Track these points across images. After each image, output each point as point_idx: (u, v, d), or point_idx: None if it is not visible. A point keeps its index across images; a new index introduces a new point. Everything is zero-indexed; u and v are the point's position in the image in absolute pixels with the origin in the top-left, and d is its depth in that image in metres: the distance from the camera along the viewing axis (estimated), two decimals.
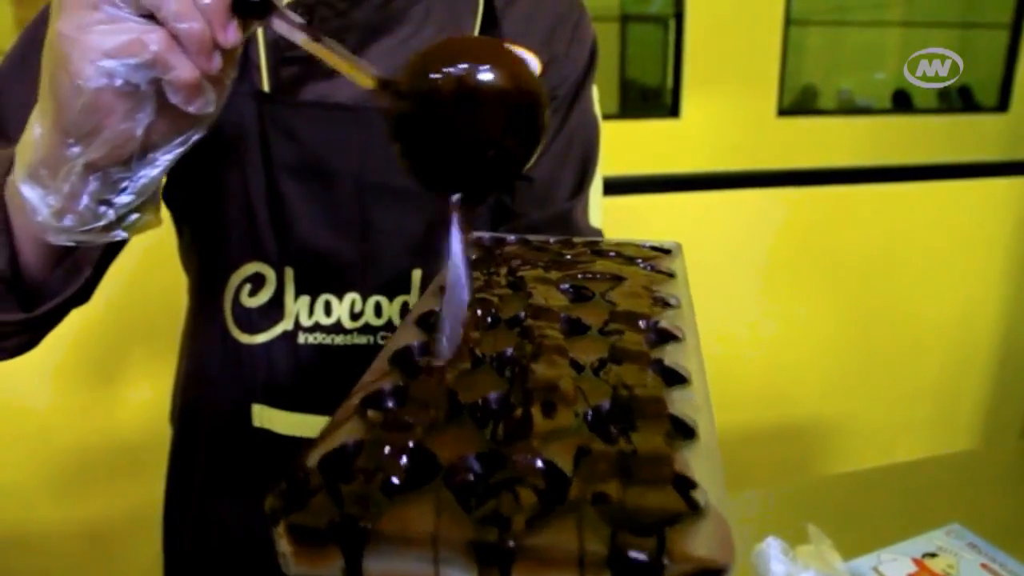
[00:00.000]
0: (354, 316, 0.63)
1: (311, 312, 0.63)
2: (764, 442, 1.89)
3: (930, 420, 2.03)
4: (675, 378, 0.36)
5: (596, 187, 0.73)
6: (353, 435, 0.31)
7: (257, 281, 0.62)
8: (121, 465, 1.39)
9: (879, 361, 1.94)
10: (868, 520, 0.83)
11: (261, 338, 0.63)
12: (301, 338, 0.63)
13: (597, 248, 0.54)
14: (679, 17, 2.33)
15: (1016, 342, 2.04)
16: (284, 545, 0.27)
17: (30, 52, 0.57)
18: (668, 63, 2.65)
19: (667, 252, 0.55)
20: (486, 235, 0.58)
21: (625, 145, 2.64)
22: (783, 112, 2.42)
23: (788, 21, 2.32)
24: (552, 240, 0.57)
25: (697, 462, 0.29)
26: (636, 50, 3.35)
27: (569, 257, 0.51)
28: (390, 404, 0.35)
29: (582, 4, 0.71)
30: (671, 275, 0.49)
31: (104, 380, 1.37)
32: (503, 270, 0.50)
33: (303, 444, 0.55)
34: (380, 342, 0.64)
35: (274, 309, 0.63)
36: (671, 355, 0.38)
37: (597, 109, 0.73)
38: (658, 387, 0.35)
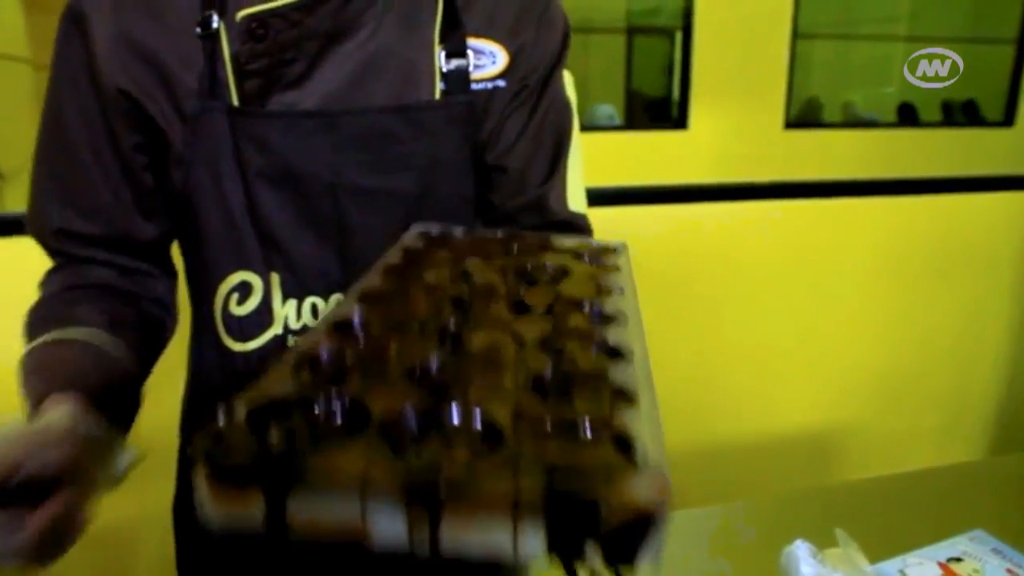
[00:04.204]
0: None
1: (299, 315, 0.63)
2: (771, 450, 1.89)
3: (938, 429, 2.03)
4: (618, 355, 0.36)
5: (575, 171, 0.72)
6: (284, 388, 0.30)
7: (244, 290, 0.63)
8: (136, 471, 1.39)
9: (887, 370, 1.95)
10: (893, 525, 0.84)
11: (253, 344, 0.63)
12: (291, 341, 0.63)
13: (546, 243, 0.55)
14: (687, 30, 2.35)
15: (1023, 352, 2.04)
16: (202, 486, 0.26)
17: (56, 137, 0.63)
18: (675, 75, 2.68)
19: (613, 250, 0.56)
20: (434, 229, 0.58)
21: (632, 156, 2.66)
22: (790, 125, 2.44)
23: (795, 34, 2.34)
24: (500, 233, 0.57)
25: (637, 425, 0.29)
26: (642, 62, 3.38)
27: (517, 249, 0.52)
28: (325, 365, 0.34)
29: None
30: (617, 268, 0.50)
31: None
32: (447, 256, 0.49)
33: None
34: None
35: (263, 315, 0.63)
36: (614, 335, 0.38)
37: (571, 93, 0.72)
38: (600, 360, 0.35)
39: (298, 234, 0.61)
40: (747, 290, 1.80)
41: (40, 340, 0.58)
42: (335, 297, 0.63)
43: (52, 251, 0.66)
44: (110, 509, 1.50)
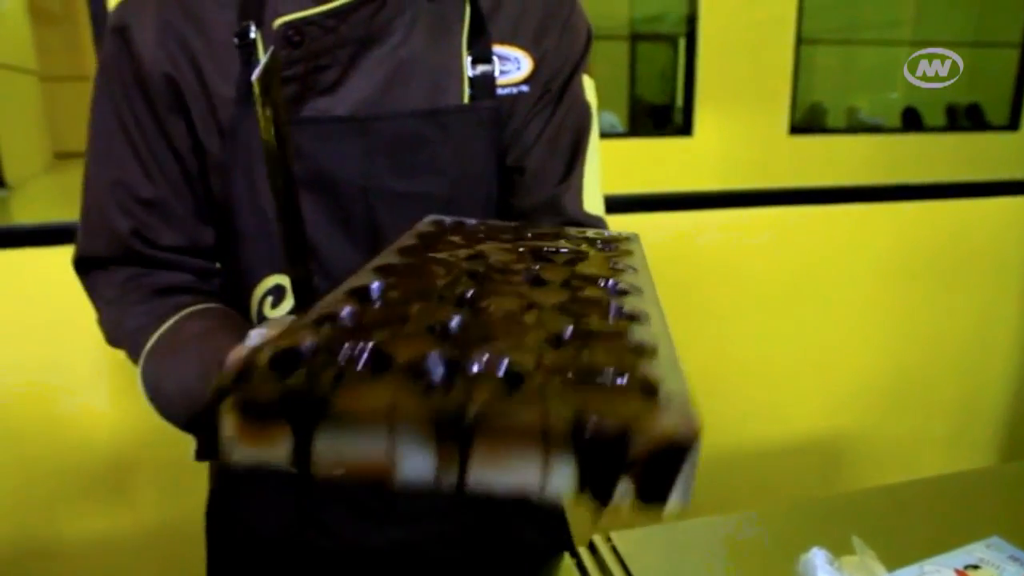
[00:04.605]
0: None
1: None
2: (778, 457, 1.88)
3: (947, 435, 2.02)
4: (636, 319, 0.36)
5: (592, 174, 0.72)
6: (307, 339, 0.30)
7: (278, 293, 0.64)
8: (161, 477, 1.39)
9: (895, 376, 1.94)
10: (908, 532, 0.83)
11: None
12: None
13: (559, 232, 0.55)
14: (691, 36, 2.35)
15: None
16: (229, 425, 0.26)
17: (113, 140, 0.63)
18: (678, 81, 2.68)
19: (626, 239, 0.56)
20: (447, 219, 0.58)
21: (637, 163, 2.67)
22: (795, 130, 2.44)
23: (799, 40, 2.34)
24: (515, 224, 0.57)
25: (662, 372, 0.29)
26: (646, 69, 3.38)
27: (531, 235, 0.52)
28: (345, 322, 0.33)
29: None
30: (629, 252, 0.50)
31: (139, 391, 1.37)
32: (462, 239, 0.49)
33: None
34: None
35: None
36: (631, 304, 0.38)
37: (591, 96, 0.73)
38: (619, 323, 0.35)
39: (331, 238, 0.63)
40: (753, 297, 1.80)
41: (165, 326, 0.59)
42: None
43: (119, 255, 0.65)
44: (140, 515, 1.49)
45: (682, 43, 2.51)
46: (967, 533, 0.81)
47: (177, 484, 1.38)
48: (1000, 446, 2.08)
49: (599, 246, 0.52)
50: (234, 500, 0.72)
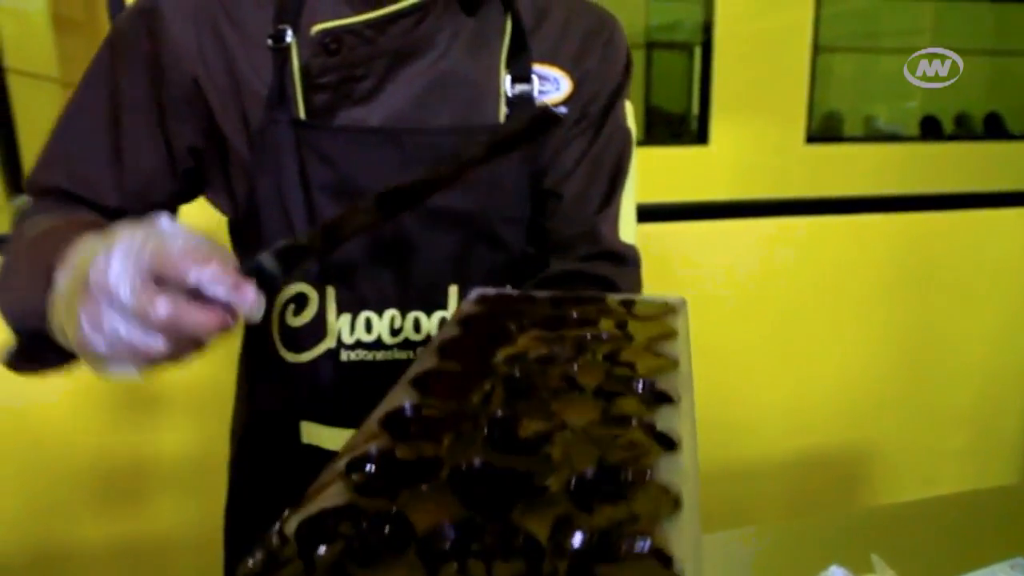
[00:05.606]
0: (394, 332, 0.64)
1: (352, 329, 0.64)
2: (793, 471, 1.86)
3: (966, 450, 1.99)
4: (666, 443, 0.37)
5: (628, 201, 0.72)
6: (335, 500, 0.32)
7: (300, 301, 0.64)
8: (179, 481, 1.40)
9: (912, 391, 1.91)
10: (929, 551, 0.81)
11: (306, 356, 0.64)
12: (344, 355, 0.64)
13: (603, 306, 0.55)
14: (707, 44, 2.34)
15: None
16: None
17: (91, 100, 0.63)
18: (694, 90, 2.67)
19: (672, 309, 0.56)
20: (491, 291, 0.59)
21: (652, 172, 2.66)
22: (811, 139, 2.43)
23: (816, 48, 2.33)
24: (558, 296, 0.57)
25: (678, 536, 0.29)
26: (661, 77, 3.38)
27: (575, 315, 0.53)
28: (375, 467, 0.37)
29: (614, 19, 0.71)
30: (674, 333, 0.50)
31: (155, 397, 1.38)
32: (501, 327, 0.51)
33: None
34: None
35: (317, 328, 0.64)
36: (664, 419, 0.39)
37: (631, 123, 0.72)
38: (646, 453, 0.36)
39: (357, 249, 0.62)
40: (768, 307, 1.78)
41: (48, 225, 0.57)
42: (389, 313, 0.64)
43: (66, 192, 0.64)
44: (157, 520, 1.50)
45: (698, 51, 2.51)
46: (990, 553, 0.79)
47: (195, 489, 1.38)
48: (1021, 461, 2.05)
49: (643, 321, 0.52)
50: (253, 504, 0.73)
